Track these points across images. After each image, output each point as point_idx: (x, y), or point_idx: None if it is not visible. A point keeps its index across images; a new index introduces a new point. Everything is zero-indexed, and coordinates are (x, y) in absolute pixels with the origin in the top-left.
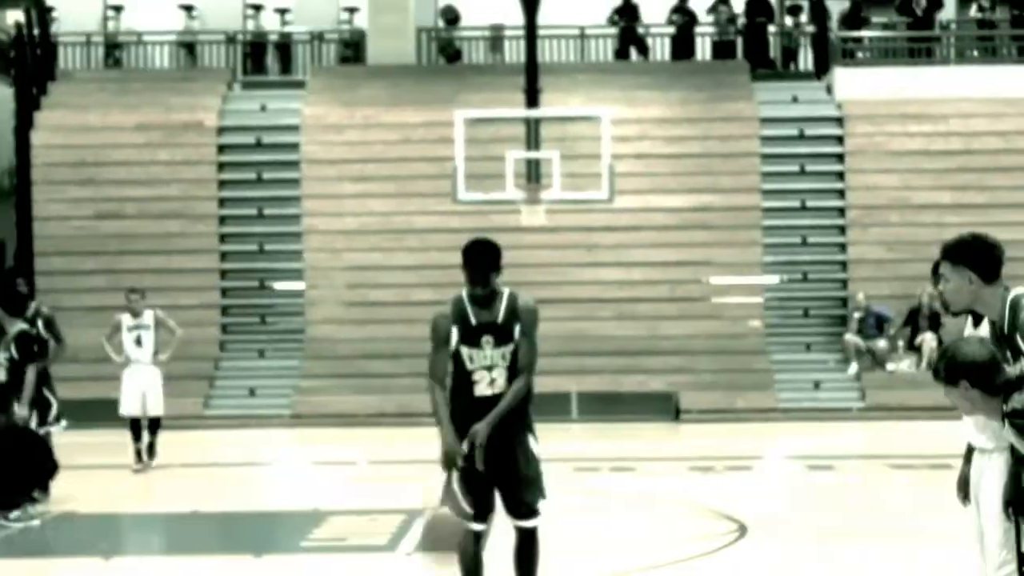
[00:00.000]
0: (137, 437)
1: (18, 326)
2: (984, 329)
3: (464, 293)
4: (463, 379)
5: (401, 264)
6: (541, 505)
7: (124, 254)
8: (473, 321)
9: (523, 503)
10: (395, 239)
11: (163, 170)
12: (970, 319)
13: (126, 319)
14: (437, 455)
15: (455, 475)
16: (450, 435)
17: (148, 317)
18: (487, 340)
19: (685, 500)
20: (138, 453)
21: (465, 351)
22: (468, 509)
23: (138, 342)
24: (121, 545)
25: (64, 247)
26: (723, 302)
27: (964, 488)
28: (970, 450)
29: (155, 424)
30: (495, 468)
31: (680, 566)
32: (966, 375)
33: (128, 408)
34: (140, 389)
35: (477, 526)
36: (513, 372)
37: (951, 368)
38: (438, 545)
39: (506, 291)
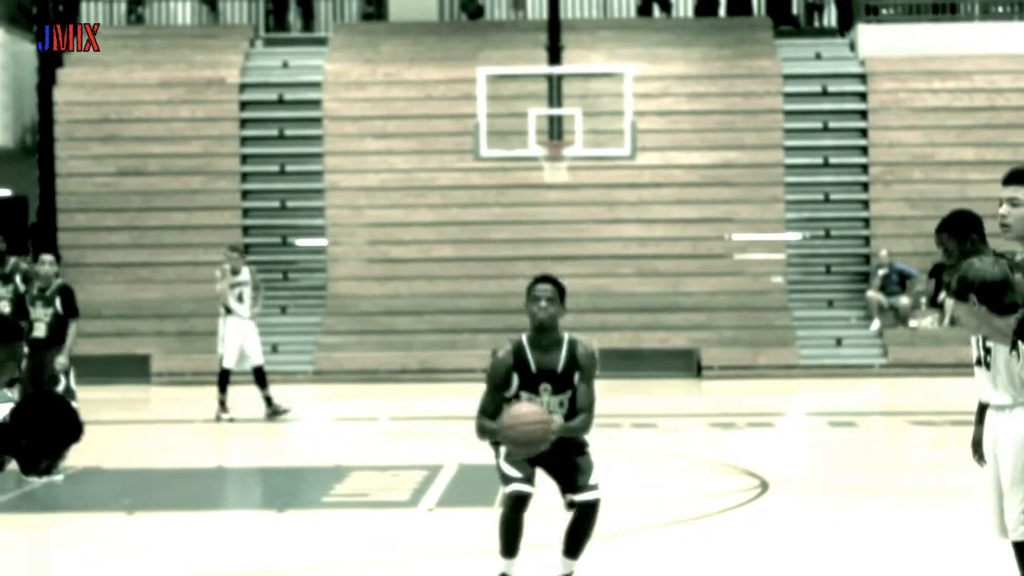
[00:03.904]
0: (224, 388)
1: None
2: None
3: (525, 337)
4: None
5: (423, 221)
6: (596, 481)
7: (146, 210)
8: (533, 368)
9: (578, 480)
10: (417, 196)
11: (185, 127)
12: None
13: (229, 276)
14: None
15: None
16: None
17: (246, 274)
18: (545, 387)
19: (706, 456)
20: (222, 404)
21: (524, 396)
22: (516, 473)
23: (239, 298)
24: (144, 500)
25: (87, 204)
26: (745, 259)
27: (979, 448)
28: (982, 410)
29: (261, 375)
30: (545, 458)
31: (701, 522)
32: (976, 290)
33: (230, 361)
34: (239, 342)
35: (525, 488)
36: (569, 418)
37: (962, 282)
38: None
39: (566, 336)
